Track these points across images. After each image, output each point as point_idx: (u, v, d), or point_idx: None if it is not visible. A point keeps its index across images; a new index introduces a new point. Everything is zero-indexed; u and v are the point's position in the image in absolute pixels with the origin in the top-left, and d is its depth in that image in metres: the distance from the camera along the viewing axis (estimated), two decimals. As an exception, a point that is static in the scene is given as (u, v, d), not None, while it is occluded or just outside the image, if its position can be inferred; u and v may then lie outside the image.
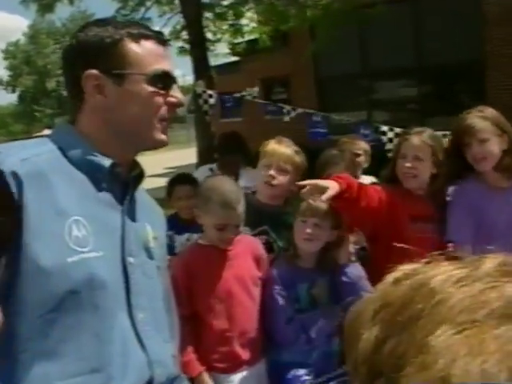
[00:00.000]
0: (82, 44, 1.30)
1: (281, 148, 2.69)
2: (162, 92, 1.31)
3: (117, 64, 1.27)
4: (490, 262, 0.49)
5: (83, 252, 1.17)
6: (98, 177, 1.27)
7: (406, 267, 0.56)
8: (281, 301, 2.37)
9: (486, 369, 0.39)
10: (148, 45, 1.30)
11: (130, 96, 1.28)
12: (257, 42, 11.83)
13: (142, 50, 1.29)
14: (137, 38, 1.29)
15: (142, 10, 12.61)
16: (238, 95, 5.84)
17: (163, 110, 1.32)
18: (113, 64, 1.27)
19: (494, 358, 0.40)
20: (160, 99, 1.30)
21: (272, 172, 2.63)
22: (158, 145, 1.35)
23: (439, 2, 10.40)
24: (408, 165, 2.58)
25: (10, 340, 1.10)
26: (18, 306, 1.11)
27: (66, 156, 1.25)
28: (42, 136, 1.35)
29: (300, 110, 5.54)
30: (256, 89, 5.97)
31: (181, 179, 3.54)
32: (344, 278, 2.41)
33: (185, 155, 16.69)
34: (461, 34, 10.37)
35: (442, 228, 2.63)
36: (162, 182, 3.93)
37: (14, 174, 1.12)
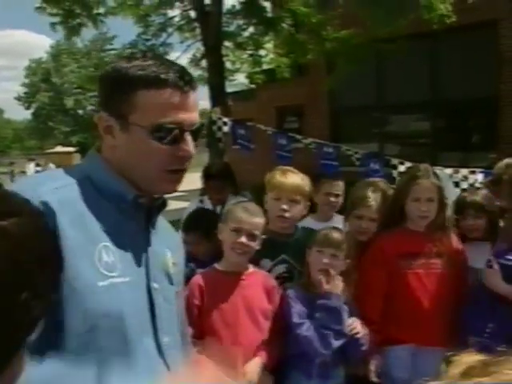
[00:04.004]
0: (103, 80, 1.32)
1: (288, 179, 2.74)
2: (166, 146, 1.26)
3: (124, 110, 1.26)
4: None
5: (112, 277, 1.21)
6: (122, 206, 1.29)
7: (469, 359, 0.55)
8: (296, 318, 2.42)
9: None
10: (159, 94, 1.24)
11: (134, 145, 1.27)
12: (274, 72, 11.97)
13: (150, 100, 1.24)
14: (150, 86, 1.24)
15: (164, 35, 12.80)
16: (250, 124, 5.88)
17: (168, 163, 1.28)
18: (121, 109, 1.26)
19: None
20: (163, 153, 1.26)
21: (284, 206, 2.68)
22: (165, 193, 1.36)
23: (456, 39, 10.50)
24: (424, 208, 2.72)
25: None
26: (60, 325, 1.14)
27: (93, 185, 1.28)
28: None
29: (311, 140, 5.58)
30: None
31: (189, 224, 3.33)
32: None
33: (196, 179, 16.69)
34: (476, 71, 10.47)
35: (448, 262, 2.77)
36: (172, 204, 3.93)
37: (45, 203, 1.15)
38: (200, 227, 3.21)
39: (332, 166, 5.17)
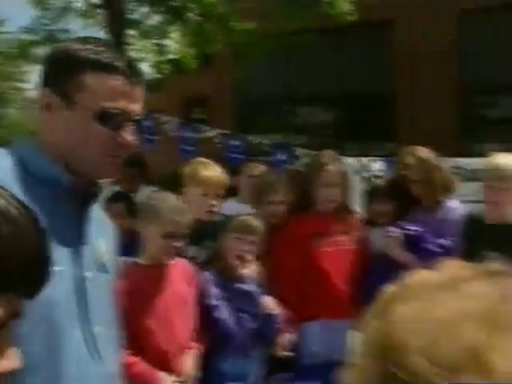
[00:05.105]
0: (51, 57, 1.32)
1: (213, 174, 2.86)
2: (109, 131, 1.27)
3: (71, 90, 1.25)
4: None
5: None
6: (57, 192, 1.26)
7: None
8: (213, 301, 2.48)
9: None
10: (110, 79, 1.26)
11: (75, 125, 1.27)
12: (180, 62, 11.81)
13: (100, 83, 1.25)
14: (101, 70, 1.25)
15: (65, 20, 12.23)
16: (155, 115, 5.78)
17: (108, 148, 1.28)
18: (67, 89, 1.26)
19: None
20: (106, 137, 1.27)
21: (213, 202, 2.83)
22: (104, 178, 1.36)
23: (359, 35, 10.91)
24: (332, 193, 2.93)
25: None
26: None
27: (26, 169, 1.24)
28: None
29: (217, 131, 5.57)
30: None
31: (114, 197, 3.38)
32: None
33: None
34: (376, 66, 10.96)
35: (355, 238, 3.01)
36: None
37: None
38: (125, 199, 3.31)
39: (238, 159, 5.18)
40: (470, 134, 10.55)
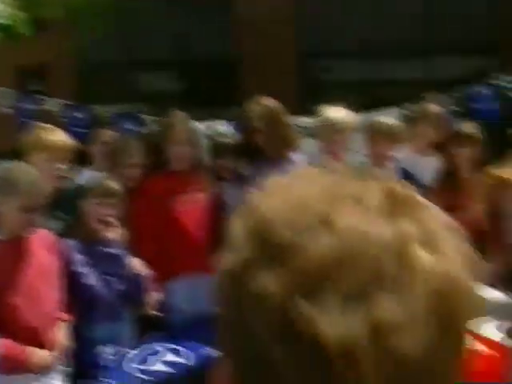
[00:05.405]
0: None
1: (58, 139, 2.84)
2: None
3: None
4: None
5: None
6: None
7: None
8: (79, 267, 2.49)
9: None
10: None
11: None
12: (10, 28, 10.92)
13: None
14: None
15: None
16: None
17: None
18: None
19: None
20: None
21: (61, 166, 2.81)
22: None
23: (202, 1, 10.92)
24: (183, 151, 3.04)
25: None
26: None
27: None
28: None
29: (59, 102, 5.33)
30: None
31: None
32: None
33: None
34: (219, 32, 11.06)
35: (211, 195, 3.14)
36: None
37: None
38: None
39: (82, 134, 4.99)
40: (309, 96, 11.17)
